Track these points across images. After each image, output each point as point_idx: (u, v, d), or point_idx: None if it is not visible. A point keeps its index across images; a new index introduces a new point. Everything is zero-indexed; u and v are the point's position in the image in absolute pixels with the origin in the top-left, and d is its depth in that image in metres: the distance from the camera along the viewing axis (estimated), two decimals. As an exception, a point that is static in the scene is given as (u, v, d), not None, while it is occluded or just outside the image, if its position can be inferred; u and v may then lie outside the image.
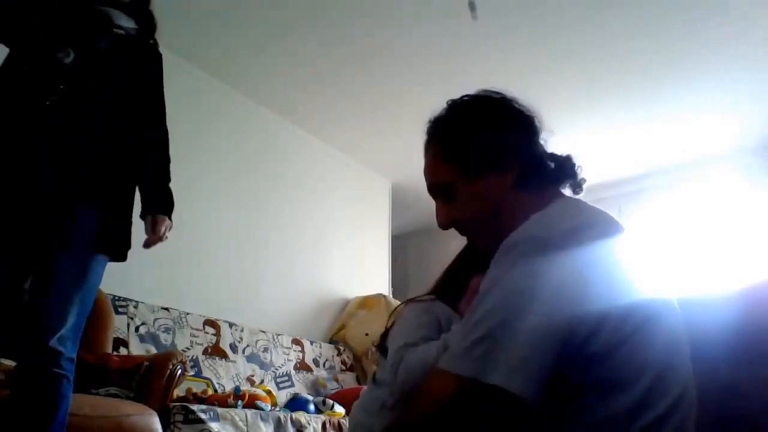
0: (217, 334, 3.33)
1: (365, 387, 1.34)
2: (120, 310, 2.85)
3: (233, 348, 3.38)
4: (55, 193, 1.53)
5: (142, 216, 1.71)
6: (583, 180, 1.00)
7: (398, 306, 1.34)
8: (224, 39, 3.43)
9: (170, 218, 1.73)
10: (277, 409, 2.78)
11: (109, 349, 2.53)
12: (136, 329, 2.90)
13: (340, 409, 3.06)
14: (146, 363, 2.30)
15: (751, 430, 0.96)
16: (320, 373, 3.88)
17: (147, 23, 1.76)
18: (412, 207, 5.34)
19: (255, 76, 3.79)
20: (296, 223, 4.20)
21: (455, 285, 1.25)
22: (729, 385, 0.96)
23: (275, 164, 4.14)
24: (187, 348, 3.10)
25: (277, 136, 4.20)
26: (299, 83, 3.84)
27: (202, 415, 2.25)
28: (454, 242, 1.30)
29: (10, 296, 1.52)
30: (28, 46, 1.61)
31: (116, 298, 2.82)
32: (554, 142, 1.04)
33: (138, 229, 1.71)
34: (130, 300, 2.93)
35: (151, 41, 1.79)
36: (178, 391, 2.48)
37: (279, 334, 3.74)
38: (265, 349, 3.58)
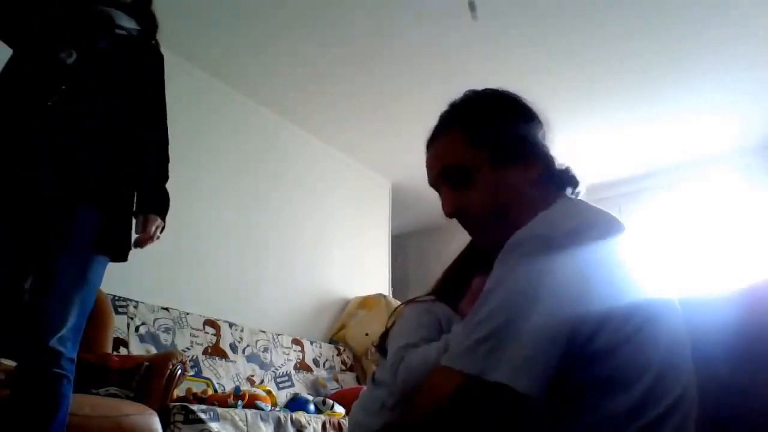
0: (217, 334, 3.33)
1: (365, 387, 1.34)
2: (120, 310, 2.85)
3: (233, 348, 3.38)
4: (55, 193, 1.53)
5: (135, 215, 1.69)
6: (579, 192, 1.01)
7: (398, 306, 1.33)
8: (224, 39, 3.44)
9: (163, 219, 1.72)
10: (277, 409, 2.78)
11: (109, 349, 2.53)
12: (136, 329, 2.90)
13: (340, 409, 3.06)
14: (146, 363, 2.30)
15: (752, 430, 0.96)
16: (320, 373, 3.88)
17: (148, 24, 1.76)
18: (412, 207, 5.34)
19: (255, 76, 3.79)
20: (296, 223, 4.20)
21: (456, 285, 1.25)
22: (729, 385, 0.96)
23: (275, 164, 4.14)
24: (187, 348, 3.10)
25: (277, 136, 4.20)
26: (299, 83, 3.84)
27: (202, 415, 2.25)
28: (454, 242, 1.30)
29: (10, 296, 1.52)
30: (29, 45, 1.61)
31: (116, 298, 2.82)
32: (556, 141, 1.04)
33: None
34: (130, 300, 2.93)
35: (153, 42, 1.79)
36: (178, 391, 2.48)
37: (279, 334, 3.74)
38: (265, 349, 3.58)
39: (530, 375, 0.72)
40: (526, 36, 3.31)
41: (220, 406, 2.44)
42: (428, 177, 1.03)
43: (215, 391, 2.93)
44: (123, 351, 2.75)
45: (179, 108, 3.44)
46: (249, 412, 2.47)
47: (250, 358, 3.45)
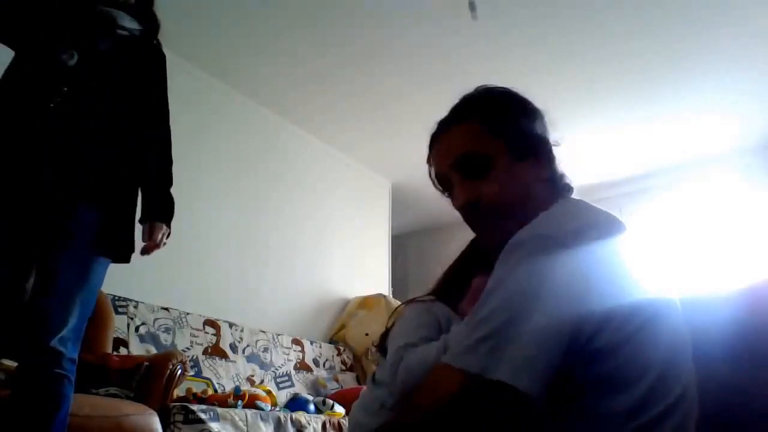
0: (217, 334, 3.33)
1: (365, 387, 1.34)
2: (120, 310, 2.85)
3: (233, 348, 3.38)
4: (56, 193, 1.53)
5: (141, 221, 1.70)
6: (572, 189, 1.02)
7: (398, 306, 1.34)
8: (224, 39, 3.44)
9: (169, 225, 1.72)
10: (277, 409, 2.78)
11: (109, 349, 2.53)
12: (136, 329, 2.90)
13: (340, 409, 3.06)
14: (146, 363, 2.30)
15: (752, 431, 0.96)
16: (320, 373, 3.88)
17: (150, 24, 1.75)
18: (412, 207, 5.34)
19: (255, 76, 3.79)
20: (296, 223, 4.20)
21: (456, 285, 1.25)
22: (729, 385, 0.96)
23: (275, 164, 4.14)
24: (187, 348, 3.10)
25: (277, 136, 4.20)
26: (299, 83, 3.84)
27: (202, 415, 2.25)
28: (454, 242, 1.30)
29: (10, 296, 1.52)
30: (30, 47, 1.61)
31: (116, 298, 2.82)
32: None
33: (137, 232, 1.71)
34: (130, 300, 2.93)
35: (155, 42, 1.78)
36: (178, 391, 2.48)
37: (279, 334, 3.74)
38: (265, 349, 3.58)
39: (531, 374, 0.72)
40: (526, 36, 3.32)
41: (220, 406, 2.44)
42: (437, 168, 1.00)
43: (215, 391, 2.93)
44: (123, 351, 2.75)
45: (179, 108, 3.44)
46: (249, 412, 2.47)
47: (250, 358, 3.45)
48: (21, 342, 1.45)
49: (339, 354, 4.16)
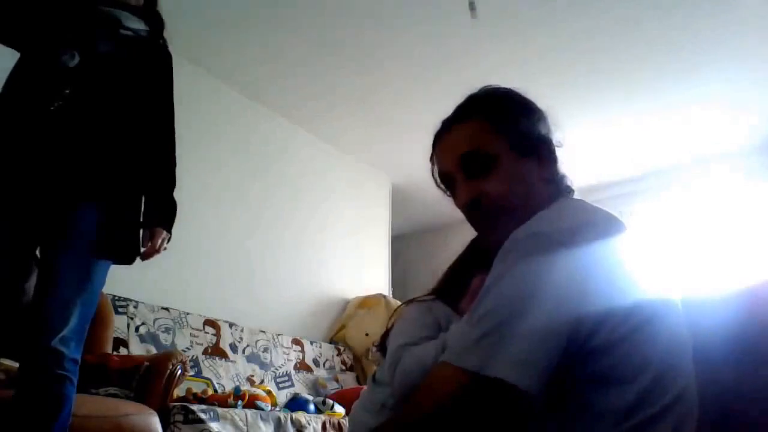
0: (217, 334, 3.33)
1: (366, 387, 1.34)
2: (120, 310, 2.85)
3: (233, 348, 3.38)
4: (56, 192, 1.52)
5: (142, 226, 1.68)
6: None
7: (399, 306, 1.34)
8: (225, 40, 3.44)
9: (170, 230, 1.70)
10: (277, 409, 2.78)
11: (109, 349, 2.53)
12: (136, 329, 2.90)
13: (340, 409, 3.06)
14: (146, 363, 2.30)
15: (753, 430, 0.96)
16: (320, 373, 3.88)
17: (156, 23, 1.74)
18: (412, 207, 5.34)
19: (256, 77, 3.79)
20: (296, 222, 4.20)
21: (456, 285, 1.25)
22: (730, 386, 0.96)
23: (275, 164, 4.14)
24: (187, 348, 3.10)
25: (277, 135, 4.20)
26: (299, 84, 3.84)
27: (202, 415, 2.25)
28: (454, 242, 1.30)
29: (10, 296, 1.52)
30: (32, 48, 1.60)
31: (116, 298, 2.82)
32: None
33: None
34: (130, 300, 2.93)
35: (161, 41, 1.77)
36: (178, 391, 2.48)
37: (279, 334, 3.74)
38: (265, 349, 3.58)
39: (530, 372, 0.73)
40: (526, 36, 3.32)
41: (220, 406, 2.44)
42: (440, 167, 1.01)
43: (215, 391, 2.93)
44: (123, 351, 2.75)
45: (180, 109, 3.45)
46: (249, 412, 2.47)
47: (250, 358, 3.45)
48: (22, 342, 1.45)
49: (339, 354, 4.16)
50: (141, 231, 1.68)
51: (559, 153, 1.02)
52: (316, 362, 3.91)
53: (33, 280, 1.54)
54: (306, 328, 4.08)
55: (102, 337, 2.50)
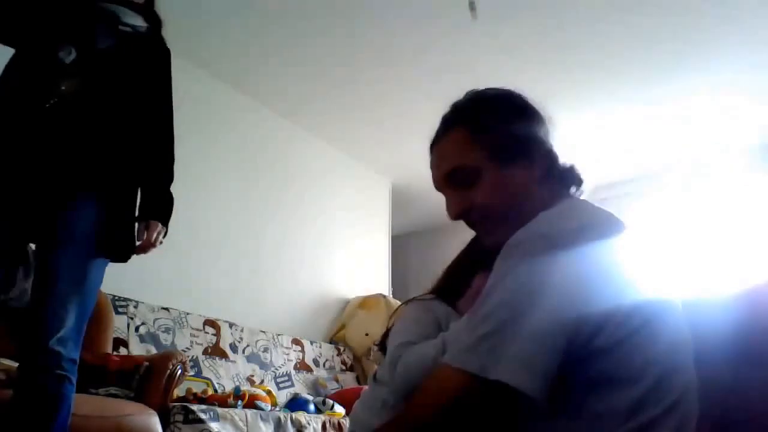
0: (217, 334, 3.32)
1: (366, 386, 1.34)
2: (120, 310, 2.85)
3: (233, 348, 3.38)
4: (52, 188, 1.50)
5: (138, 220, 1.67)
6: (582, 191, 1.01)
7: (399, 306, 1.34)
8: (225, 39, 3.44)
9: (166, 224, 1.68)
10: (277, 409, 2.78)
11: (109, 349, 2.53)
12: (136, 329, 2.90)
13: (340, 409, 3.05)
14: (146, 363, 2.30)
15: (753, 431, 0.96)
16: (320, 373, 3.88)
17: (154, 20, 1.73)
18: (412, 207, 5.34)
19: (256, 76, 3.79)
20: (296, 222, 4.20)
21: (456, 284, 1.25)
22: (731, 387, 0.96)
23: (276, 164, 4.14)
24: (187, 348, 3.10)
25: (277, 136, 4.20)
26: (300, 83, 3.84)
27: (202, 415, 2.25)
28: (455, 242, 1.30)
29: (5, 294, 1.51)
30: (29, 44, 1.59)
31: (116, 298, 2.82)
32: (555, 141, 1.04)
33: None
34: (130, 300, 2.93)
35: (159, 37, 1.75)
36: (178, 391, 2.48)
37: (279, 334, 3.74)
38: (265, 349, 3.58)
39: (531, 373, 0.72)
40: (526, 36, 3.31)
41: (220, 406, 2.44)
42: (433, 179, 1.02)
43: (215, 391, 2.93)
44: (123, 351, 2.75)
45: (180, 109, 3.44)
46: (249, 412, 2.47)
47: (250, 358, 3.45)
48: (20, 343, 1.45)
49: (339, 354, 4.16)
50: (137, 225, 1.66)
51: (560, 148, 1.02)
52: (316, 362, 3.91)
53: (30, 280, 1.53)
54: (306, 328, 4.07)
55: (102, 337, 2.50)
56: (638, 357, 0.77)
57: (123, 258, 1.62)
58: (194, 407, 2.27)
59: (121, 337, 2.80)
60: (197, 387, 2.75)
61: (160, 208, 1.68)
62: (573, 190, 0.99)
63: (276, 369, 3.57)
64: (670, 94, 3.82)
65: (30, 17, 1.59)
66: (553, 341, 0.74)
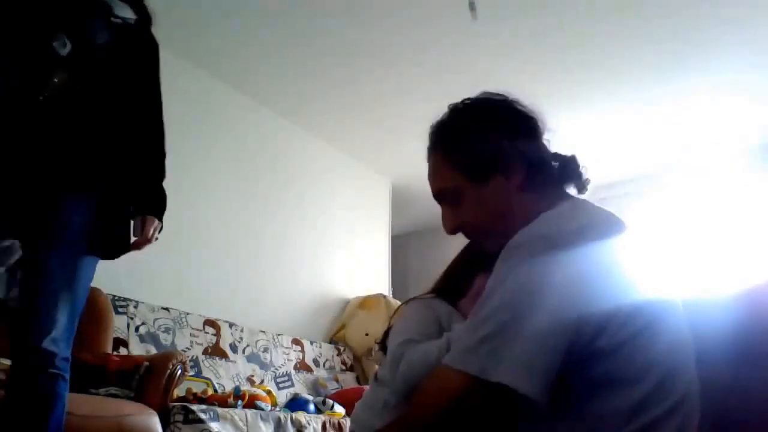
0: (217, 334, 3.32)
1: (366, 387, 1.34)
2: (120, 310, 2.85)
3: (233, 348, 3.38)
4: (43, 184, 1.48)
5: (133, 216, 1.64)
6: (588, 180, 1.01)
7: (400, 305, 1.34)
8: (225, 39, 3.43)
9: (161, 219, 1.67)
10: (277, 409, 2.78)
11: (109, 349, 2.53)
12: (136, 329, 2.90)
13: (340, 409, 3.05)
14: (146, 363, 2.30)
15: (753, 431, 0.96)
16: (320, 373, 3.88)
17: (143, 12, 1.69)
18: (412, 207, 5.34)
19: (256, 76, 3.79)
20: (296, 222, 4.20)
21: (457, 284, 1.25)
22: (731, 387, 0.96)
23: (276, 164, 4.14)
24: (187, 348, 3.10)
25: (277, 136, 4.20)
26: (300, 83, 3.84)
27: (202, 415, 2.25)
28: (455, 242, 1.30)
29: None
30: (22, 34, 1.52)
31: (116, 298, 2.82)
32: (555, 141, 1.04)
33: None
34: (130, 300, 2.93)
35: (148, 30, 1.72)
36: (178, 391, 2.48)
37: (279, 334, 3.74)
38: (265, 349, 3.58)
39: (531, 376, 0.72)
40: (526, 36, 3.31)
41: (220, 406, 2.44)
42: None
43: (215, 391, 2.93)
44: (123, 351, 2.75)
45: (180, 109, 3.45)
46: (249, 412, 2.47)
47: (250, 358, 3.45)
48: (12, 343, 1.43)
49: (339, 354, 4.16)
50: (132, 222, 1.64)
51: (558, 147, 1.02)
52: (316, 362, 3.91)
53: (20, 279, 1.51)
54: (306, 328, 4.07)
55: (102, 337, 2.50)
56: (640, 358, 0.77)
57: (114, 256, 1.60)
58: (194, 407, 2.27)
59: (121, 337, 2.79)
60: (197, 387, 2.75)
61: (155, 204, 1.66)
62: (572, 187, 0.99)
63: (276, 369, 3.57)
64: (670, 94, 3.82)
65: (23, 7, 1.54)
66: (554, 342, 0.74)
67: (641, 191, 4.87)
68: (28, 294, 1.44)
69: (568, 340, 0.74)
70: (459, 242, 1.28)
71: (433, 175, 1.03)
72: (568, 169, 0.99)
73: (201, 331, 3.24)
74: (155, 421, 2.05)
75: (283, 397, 3.21)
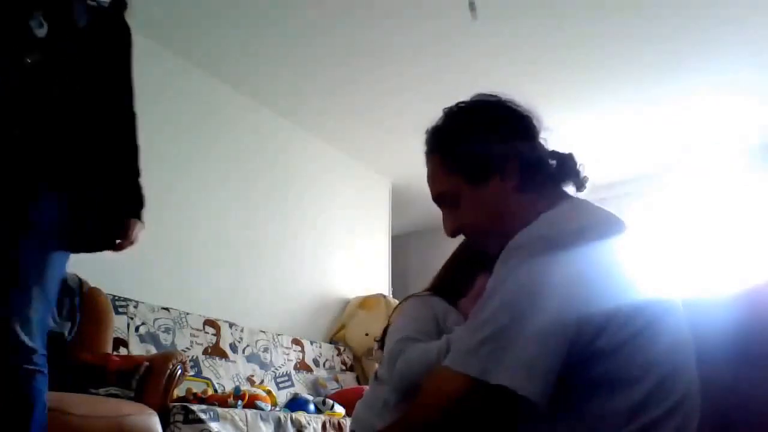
0: (217, 334, 3.32)
1: (366, 387, 1.35)
2: (120, 310, 2.85)
3: (233, 348, 3.38)
4: (13, 176, 1.44)
5: (114, 218, 1.60)
6: (586, 178, 1.01)
7: (399, 304, 1.35)
8: (225, 39, 3.43)
9: (141, 218, 1.62)
10: (277, 409, 2.78)
11: (109, 349, 2.53)
12: (136, 329, 2.90)
13: (340, 409, 3.05)
14: (146, 363, 2.30)
15: (753, 431, 0.96)
16: (320, 373, 3.88)
17: None
18: (412, 207, 5.34)
19: (256, 76, 3.79)
20: (296, 222, 4.20)
21: (455, 282, 1.26)
22: (731, 386, 0.96)
23: (275, 164, 4.14)
24: (187, 348, 3.10)
25: (278, 136, 4.20)
26: (299, 83, 3.84)
27: (202, 415, 2.25)
28: (455, 242, 1.30)
29: None
30: None
31: (116, 298, 2.82)
32: (554, 141, 1.04)
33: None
34: (130, 300, 2.93)
35: (120, 15, 1.65)
36: (178, 391, 2.48)
37: (279, 334, 3.74)
38: (265, 349, 3.58)
39: (532, 377, 0.72)
40: (526, 36, 3.31)
41: (220, 406, 2.44)
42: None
43: (215, 391, 2.93)
44: (123, 351, 2.75)
45: (180, 108, 3.46)
46: (249, 412, 2.47)
47: (250, 358, 3.45)
48: None
49: (339, 354, 4.16)
50: (112, 222, 1.59)
51: (556, 147, 1.02)
52: (316, 362, 3.91)
53: None
54: (306, 328, 4.07)
55: (102, 337, 2.50)
56: (640, 358, 0.77)
57: (87, 250, 1.56)
58: (194, 407, 2.27)
59: (121, 337, 2.79)
60: (197, 387, 2.75)
61: (133, 204, 1.61)
62: (571, 185, 0.99)
63: (276, 369, 3.57)
64: (670, 94, 3.82)
65: None
66: (555, 343, 0.74)
67: (641, 191, 4.87)
68: (1, 291, 1.40)
69: (569, 341, 0.74)
70: (459, 242, 1.28)
71: (432, 179, 1.04)
72: (566, 167, 1.00)
73: (201, 331, 3.24)
74: (155, 421, 2.05)
75: (283, 397, 3.21)
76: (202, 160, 3.59)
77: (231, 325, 3.43)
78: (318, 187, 4.45)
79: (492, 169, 0.96)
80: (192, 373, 2.93)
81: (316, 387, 3.69)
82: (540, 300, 0.75)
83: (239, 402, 2.55)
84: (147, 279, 3.04)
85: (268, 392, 2.84)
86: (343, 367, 4.12)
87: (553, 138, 1.03)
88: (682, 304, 0.88)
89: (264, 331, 3.64)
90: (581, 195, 1.01)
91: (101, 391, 2.13)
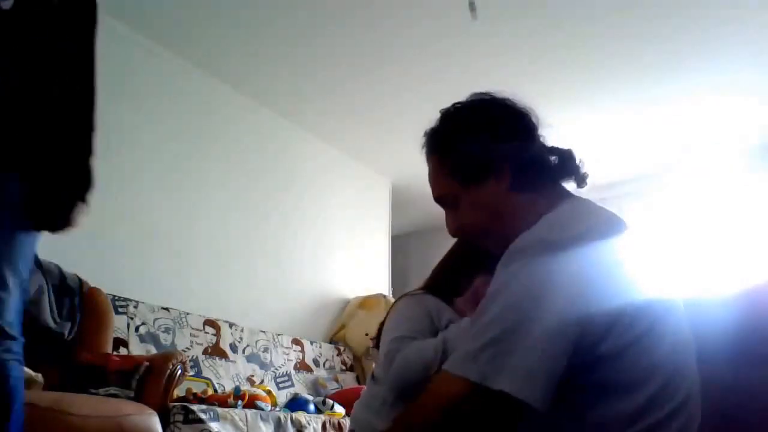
0: (217, 334, 3.32)
1: (366, 385, 1.35)
2: (120, 310, 2.84)
3: (233, 348, 3.38)
4: None
5: (60, 197, 1.50)
6: (586, 174, 1.00)
7: (394, 303, 1.35)
8: (225, 39, 3.43)
9: (85, 200, 1.51)
10: (277, 409, 2.78)
11: (109, 349, 2.53)
12: (136, 329, 2.90)
13: (340, 409, 3.05)
14: (146, 363, 2.30)
15: (752, 431, 0.96)
16: (320, 373, 3.88)
17: None
18: (412, 207, 5.34)
19: (256, 76, 3.79)
20: (296, 222, 4.20)
21: (451, 281, 1.26)
22: (731, 386, 0.96)
23: (275, 164, 4.14)
24: (187, 348, 3.10)
25: (278, 136, 4.20)
26: (299, 84, 3.84)
27: (202, 415, 2.25)
28: (454, 243, 1.30)
29: None
30: None
31: (116, 298, 2.82)
32: (554, 141, 1.04)
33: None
34: (130, 300, 2.93)
35: None
36: (178, 391, 2.48)
37: (279, 334, 3.74)
38: (265, 349, 3.58)
39: (533, 383, 0.72)
40: (526, 36, 3.31)
41: (220, 406, 2.44)
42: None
43: (215, 391, 2.93)
44: (123, 351, 2.75)
45: (179, 109, 3.46)
46: (249, 412, 2.47)
47: (250, 358, 3.45)
48: None
49: (339, 354, 4.16)
50: (61, 202, 1.50)
51: (548, 137, 1.02)
52: (316, 362, 3.91)
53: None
54: (306, 328, 4.07)
55: (102, 337, 2.50)
56: (645, 360, 0.77)
57: (55, 227, 1.48)
58: (194, 407, 2.27)
59: (121, 337, 2.79)
60: (197, 387, 2.75)
61: (78, 185, 1.52)
62: (571, 181, 0.99)
63: (276, 369, 3.57)
64: (670, 94, 3.82)
65: None
66: (557, 348, 0.73)
67: (641, 191, 4.87)
68: None
69: (572, 344, 0.74)
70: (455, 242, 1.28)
71: (432, 181, 1.06)
72: (566, 164, 1.00)
73: (201, 331, 3.24)
74: (155, 421, 2.04)
75: (283, 397, 3.21)
76: (202, 159, 3.59)
77: (231, 325, 3.43)
78: (318, 187, 4.45)
79: (487, 170, 0.97)
80: (192, 373, 2.93)
81: (316, 387, 3.69)
82: (542, 303, 0.74)
83: (239, 402, 2.55)
84: (147, 279, 3.04)
85: (268, 392, 2.84)
86: (343, 367, 4.12)
87: (553, 138, 1.03)
88: (683, 304, 0.88)
89: (264, 331, 3.64)
90: (582, 192, 1.00)
91: (101, 391, 2.13)
